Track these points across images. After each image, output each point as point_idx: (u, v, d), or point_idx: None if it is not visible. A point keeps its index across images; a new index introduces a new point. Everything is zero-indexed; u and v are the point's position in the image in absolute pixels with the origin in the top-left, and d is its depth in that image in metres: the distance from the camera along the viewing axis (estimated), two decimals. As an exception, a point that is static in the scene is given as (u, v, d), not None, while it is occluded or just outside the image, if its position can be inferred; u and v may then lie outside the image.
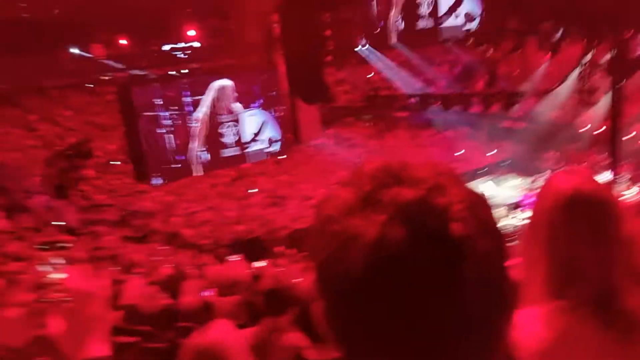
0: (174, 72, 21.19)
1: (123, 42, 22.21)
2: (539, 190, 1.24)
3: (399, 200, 0.60)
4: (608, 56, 13.25)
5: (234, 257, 8.67)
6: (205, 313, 6.67)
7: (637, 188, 17.68)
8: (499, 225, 0.65)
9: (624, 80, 13.27)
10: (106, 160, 21.07)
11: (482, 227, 0.61)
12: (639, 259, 1.11)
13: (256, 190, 21.15)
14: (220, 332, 1.75)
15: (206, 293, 7.31)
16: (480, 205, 0.63)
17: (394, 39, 16.96)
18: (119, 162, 20.86)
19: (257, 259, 13.88)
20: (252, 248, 16.29)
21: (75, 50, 22.16)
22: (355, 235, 0.59)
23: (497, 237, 0.63)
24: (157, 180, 16.53)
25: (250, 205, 20.09)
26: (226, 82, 16.75)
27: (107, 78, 23.82)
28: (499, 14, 15.66)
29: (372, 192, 0.62)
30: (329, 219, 0.63)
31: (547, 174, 20.09)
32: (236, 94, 17.24)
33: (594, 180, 1.17)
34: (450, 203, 0.60)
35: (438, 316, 0.58)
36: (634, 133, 18.69)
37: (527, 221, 1.24)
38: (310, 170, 23.21)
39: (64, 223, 14.88)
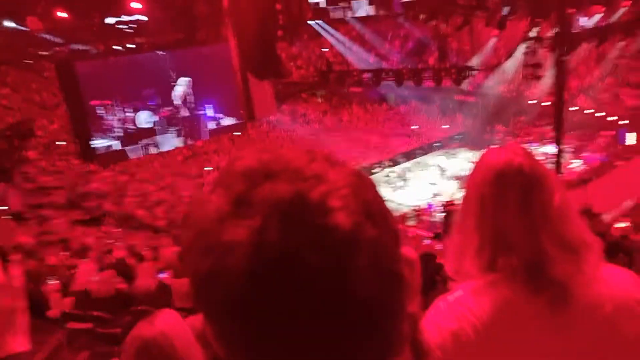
0: (118, 47, 20.38)
1: (62, 14, 21.10)
2: (474, 165, 1.25)
3: (272, 199, 0.54)
4: (552, 32, 13.64)
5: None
6: (161, 296, 6.59)
7: (581, 159, 18.57)
8: (385, 206, 0.60)
9: (568, 55, 13.71)
10: (49, 140, 20.21)
11: (367, 212, 0.56)
12: (569, 228, 1.13)
13: (211, 168, 20.85)
14: (167, 322, 1.71)
15: (162, 275, 7.20)
16: (363, 188, 0.58)
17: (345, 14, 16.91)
18: (64, 142, 20.05)
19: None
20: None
21: (9, 24, 20.90)
22: (230, 245, 0.53)
23: (385, 221, 0.58)
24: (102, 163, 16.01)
25: (206, 184, 19.80)
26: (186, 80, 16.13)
27: (45, 53, 22.64)
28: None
29: (243, 192, 0.55)
30: (199, 230, 0.56)
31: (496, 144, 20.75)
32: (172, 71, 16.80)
33: (526, 154, 1.18)
34: (329, 191, 0.55)
35: (332, 316, 0.54)
36: (578, 107, 19.50)
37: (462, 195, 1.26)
38: (266, 147, 23.04)
39: (6, 207, 14.25)
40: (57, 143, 20.05)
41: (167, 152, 20.19)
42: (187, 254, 0.58)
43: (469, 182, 1.23)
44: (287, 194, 0.54)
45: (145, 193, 18.52)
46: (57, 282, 7.06)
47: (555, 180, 1.19)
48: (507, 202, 1.13)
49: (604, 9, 15.80)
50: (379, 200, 0.60)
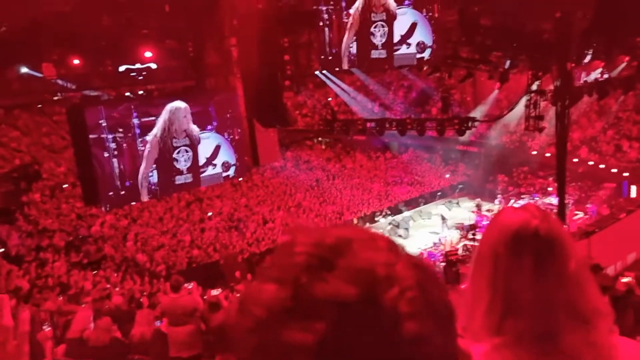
0: (129, 94, 20.82)
1: (76, 61, 21.71)
2: (487, 223, 1.23)
3: (338, 299, 0.50)
4: (553, 85, 13.89)
5: (189, 284, 8.44)
6: (157, 344, 6.45)
7: (584, 211, 18.51)
8: (446, 298, 0.58)
9: (569, 107, 13.91)
10: (54, 182, 20.35)
11: (434, 314, 0.54)
12: (582, 297, 1.10)
13: (211, 214, 20.84)
14: None
15: (159, 323, 7.08)
16: (429, 285, 0.56)
17: (349, 65, 17.30)
18: (67, 185, 20.17)
19: (213, 286, 13.62)
20: (208, 274, 15.99)
21: (24, 69, 21.50)
22: (293, 348, 0.50)
23: (448, 320, 0.57)
24: (104, 207, 16.02)
25: (207, 229, 19.75)
26: (180, 104, 16.41)
27: (57, 98, 23.17)
28: (451, 43, 16.22)
29: (305, 286, 0.52)
30: (258, 322, 0.53)
31: (499, 197, 20.52)
32: (191, 117, 16.98)
33: (543, 216, 1.15)
34: (400, 295, 0.52)
35: None
36: (579, 159, 19.61)
37: (475, 251, 1.24)
38: (269, 193, 23.12)
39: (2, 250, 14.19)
40: (63, 186, 20.19)
41: (170, 196, 20.25)
42: (242, 346, 0.55)
43: (483, 239, 1.21)
44: (355, 296, 0.51)
45: (146, 237, 18.46)
46: (50, 329, 6.95)
47: (572, 245, 1.16)
48: (522, 265, 1.11)
49: (603, 63, 16.14)
50: (443, 296, 0.57)
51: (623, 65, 17.42)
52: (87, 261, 16.16)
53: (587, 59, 15.12)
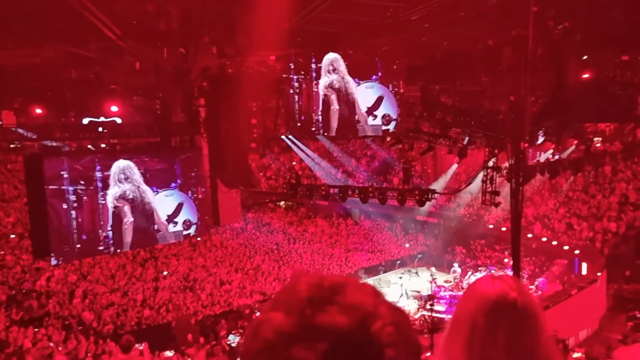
0: (90, 147, 20.52)
1: (38, 111, 21.40)
2: (464, 291, 1.30)
3: (337, 328, 0.64)
4: (508, 163, 14.57)
5: (140, 345, 8.06)
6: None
7: (534, 285, 18.91)
8: (416, 337, 0.73)
9: (522, 185, 14.53)
10: (1, 233, 19.49)
11: (408, 346, 0.68)
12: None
13: (166, 273, 20.23)
14: None
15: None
16: (404, 323, 0.70)
17: (315, 131, 17.79)
18: (14, 236, 19.34)
19: (163, 348, 13.01)
20: (159, 335, 15.29)
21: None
22: None
23: (417, 351, 0.71)
24: (55, 260, 15.34)
25: (160, 289, 19.09)
26: (127, 163, 16.23)
27: (13, 146, 22.59)
28: (414, 117, 16.93)
29: (309, 315, 0.65)
30: (269, 344, 0.65)
31: (455, 266, 20.72)
32: (143, 174, 16.79)
33: (519, 288, 1.21)
34: (383, 327, 0.66)
35: None
36: (531, 235, 20.26)
37: (449, 317, 1.29)
38: (227, 254, 22.71)
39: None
40: (10, 236, 19.34)
41: (124, 252, 19.59)
42: None
43: (460, 306, 1.26)
44: (349, 325, 0.64)
45: (95, 295, 17.66)
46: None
47: (544, 319, 1.22)
48: (498, 335, 1.16)
49: (554, 145, 17.11)
50: (413, 334, 0.72)
51: (572, 148, 18.53)
52: (28, 317, 15.25)
53: (540, 140, 16.02)
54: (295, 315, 0.65)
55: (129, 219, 16.48)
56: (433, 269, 21.12)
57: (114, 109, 20.57)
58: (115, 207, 16.13)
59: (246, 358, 0.68)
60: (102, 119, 21.39)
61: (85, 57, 18.27)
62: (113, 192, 16.00)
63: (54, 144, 20.01)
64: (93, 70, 18.60)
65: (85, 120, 21.48)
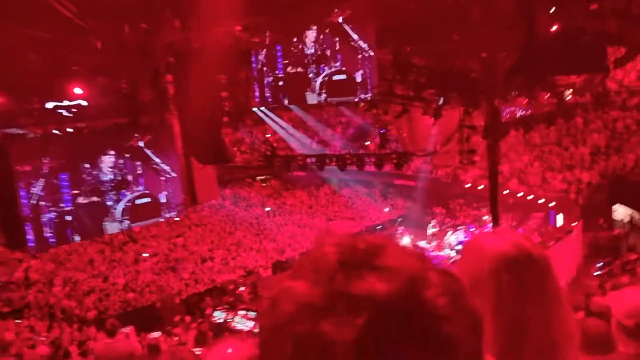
0: (56, 131, 19.88)
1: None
2: (468, 252, 1.20)
3: (376, 296, 0.50)
4: (483, 121, 14.62)
5: (126, 328, 7.94)
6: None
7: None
8: (475, 307, 0.57)
9: (498, 141, 14.63)
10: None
11: (466, 320, 0.53)
12: (571, 317, 1.13)
13: (147, 255, 20.00)
14: None
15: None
16: (460, 292, 0.55)
17: (288, 101, 17.56)
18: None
19: (150, 330, 12.91)
20: (145, 317, 15.17)
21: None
22: (329, 342, 0.48)
23: (477, 326, 0.56)
24: (34, 249, 15.02)
25: (142, 271, 18.88)
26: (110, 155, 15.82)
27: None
28: (387, 81, 16.80)
29: (342, 283, 0.51)
30: (290, 320, 0.51)
31: (433, 223, 21.06)
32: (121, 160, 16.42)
33: (526, 240, 1.16)
34: (436, 296, 0.52)
35: None
36: (507, 191, 20.57)
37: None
38: (207, 232, 22.54)
39: None
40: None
41: (103, 237, 19.27)
42: (270, 345, 0.52)
43: (473, 269, 1.15)
44: (392, 293, 0.50)
45: (75, 282, 17.38)
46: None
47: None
48: (529, 290, 1.10)
49: (527, 100, 17.22)
50: (470, 303, 0.57)
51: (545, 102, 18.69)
52: (8, 310, 14.95)
53: (512, 95, 16.09)
54: (323, 283, 0.51)
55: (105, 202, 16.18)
56: (412, 237, 21.36)
57: (78, 91, 19.86)
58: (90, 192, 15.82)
59: (263, 337, 0.54)
60: (66, 102, 20.67)
61: (44, 38, 17.54)
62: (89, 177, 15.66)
63: (19, 131, 19.30)
64: (54, 52, 17.89)
65: (50, 105, 20.74)
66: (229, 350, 1.64)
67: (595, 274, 14.66)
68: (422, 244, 20.68)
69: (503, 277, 1.10)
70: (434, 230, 21.21)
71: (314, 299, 0.51)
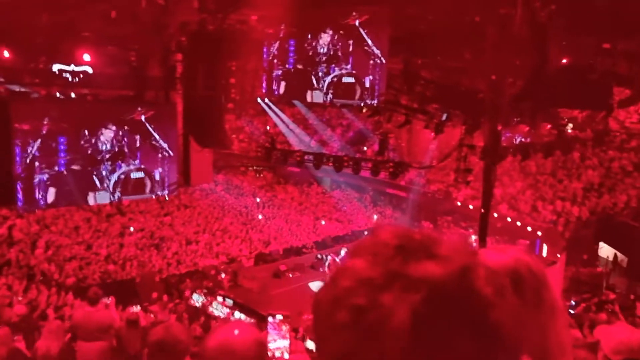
0: (59, 95, 19.81)
1: (6, 54, 20.44)
2: None
3: (432, 278, 0.55)
4: (483, 142, 14.73)
5: (107, 299, 7.98)
6: (65, 360, 6.00)
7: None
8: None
9: (495, 165, 14.75)
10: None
11: (510, 310, 0.59)
12: (565, 331, 1.17)
13: (132, 229, 19.98)
14: None
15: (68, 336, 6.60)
16: (507, 286, 0.61)
17: (292, 96, 17.60)
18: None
19: (126, 303, 12.92)
20: (123, 290, 15.17)
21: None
22: (385, 315, 0.53)
23: (519, 316, 0.62)
24: (24, 207, 14.95)
25: (126, 245, 18.87)
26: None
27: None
28: (393, 89, 16.88)
29: (399, 264, 0.56)
30: (349, 292, 0.56)
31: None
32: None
33: (526, 254, 1.21)
34: (486, 284, 0.57)
35: None
36: (496, 215, 20.73)
37: None
38: (195, 214, 22.54)
39: None
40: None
41: (91, 206, 19.21)
42: (327, 316, 0.57)
43: None
44: (446, 276, 0.55)
45: (58, 246, 17.34)
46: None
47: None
48: (525, 303, 1.13)
49: (527, 128, 17.38)
50: (514, 296, 0.62)
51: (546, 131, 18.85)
52: (-12, 266, 14.92)
53: (515, 121, 16.23)
54: (382, 264, 0.56)
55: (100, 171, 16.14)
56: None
57: (87, 57, 19.81)
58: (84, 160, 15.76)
59: (320, 309, 0.59)
60: (73, 67, 20.60)
61: (59, 0, 17.46)
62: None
63: (22, 89, 19.22)
64: (66, 15, 17.82)
65: (56, 67, 20.65)
66: (236, 332, 1.71)
67: (570, 310, 14.84)
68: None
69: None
70: None
71: (373, 275, 0.56)
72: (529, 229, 19.86)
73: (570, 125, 20.95)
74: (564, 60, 15.58)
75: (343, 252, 21.01)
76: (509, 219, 20.59)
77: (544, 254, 19.04)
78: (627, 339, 2.17)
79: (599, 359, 2.23)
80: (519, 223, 20.30)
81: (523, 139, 17.71)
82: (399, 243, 0.59)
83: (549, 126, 18.25)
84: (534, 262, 1.19)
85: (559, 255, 17.34)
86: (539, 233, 19.53)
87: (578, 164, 20.59)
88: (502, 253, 1.22)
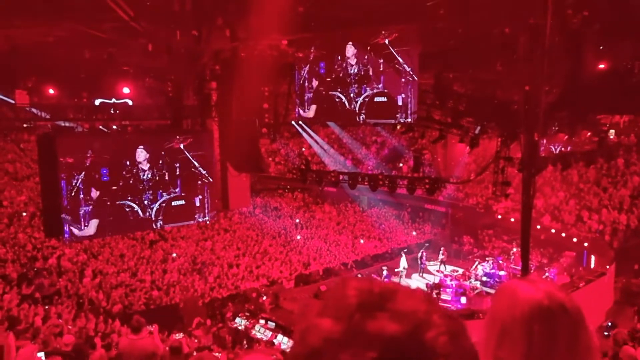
0: (102, 127, 20.62)
1: (51, 91, 21.48)
2: (501, 297, 1.21)
3: (387, 335, 0.60)
4: (521, 154, 14.41)
5: (150, 326, 8.16)
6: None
7: (544, 277, 18.86)
8: (474, 347, 0.68)
9: (534, 176, 14.40)
10: (13, 211, 19.68)
11: (464, 357, 0.64)
12: None
13: (175, 255, 20.38)
14: None
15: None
16: (460, 333, 0.66)
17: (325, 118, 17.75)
18: (25, 214, 19.53)
19: (170, 329, 13.17)
20: (167, 316, 15.46)
21: (-5, 95, 21.11)
22: None
23: None
24: (71, 238, 15.50)
25: (169, 271, 19.26)
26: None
27: (26, 126, 22.76)
28: (426, 105, 16.77)
29: (358, 322, 0.62)
30: (316, 351, 0.62)
31: (443, 255, 20.80)
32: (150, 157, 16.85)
33: (560, 290, 1.17)
34: (437, 336, 0.62)
35: None
36: (539, 227, 20.16)
37: (484, 329, 1.21)
38: (235, 238, 22.83)
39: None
40: (22, 214, 19.54)
41: (135, 234, 19.74)
42: None
43: (505, 314, 1.17)
44: (400, 332, 0.61)
45: (105, 274, 17.85)
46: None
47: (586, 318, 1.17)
48: (558, 342, 1.11)
49: (567, 136, 16.92)
50: (473, 348, 0.67)
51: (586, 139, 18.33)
52: (39, 295, 15.46)
53: (553, 131, 15.85)
54: (344, 321, 0.63)
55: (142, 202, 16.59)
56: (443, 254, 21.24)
57: (126, 90, 20.58)
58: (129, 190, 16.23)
59: None
60: (114, 100, 21.43)
61: (99, 37, 18.23)
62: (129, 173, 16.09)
63: (67, 124, 20.11)
64: (106, 51, 18.58)
65: (97, 101, 21.53)
66: None
67: (626, 321, 14.21)
68: (450, 269, 20.45)
69: (535, 327, 1.12)
70: (443, 257, 21.28)
71: (335, 334, 0.62)
72: (575, 240, 19.22)
73: (613, 131, 20.30)
74: (602, 66, 15.15)
75: (385, 271, 20.84)
76: (553, 231, 20.00)
77: (592, 265, 18.37)
78: None
79: None
80: (563, 234, 19.69)
81: (563, 148, 17.24)
82: (359, 300, 0.64)
83: (589, 134, 17.74)
84: (568, 299, 1.15)
85: (608, 267, 16.68)
86: (586, 244, 18.87)
87: (623, 171, 19.87)
88: (533, 286, 1.19)
